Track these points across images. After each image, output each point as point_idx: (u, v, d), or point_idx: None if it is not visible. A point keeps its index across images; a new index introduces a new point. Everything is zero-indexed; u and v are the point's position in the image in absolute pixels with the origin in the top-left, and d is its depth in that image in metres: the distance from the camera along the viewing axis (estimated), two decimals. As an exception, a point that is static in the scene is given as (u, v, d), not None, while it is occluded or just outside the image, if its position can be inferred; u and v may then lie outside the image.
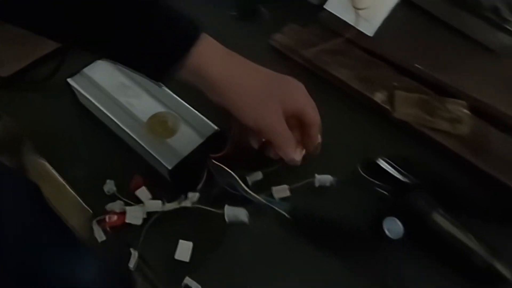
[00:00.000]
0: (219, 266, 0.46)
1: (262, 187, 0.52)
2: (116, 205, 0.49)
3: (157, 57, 0.42)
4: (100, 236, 0.49)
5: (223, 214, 0.48)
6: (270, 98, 0.46)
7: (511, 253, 0.46)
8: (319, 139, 0.50)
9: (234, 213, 0.45)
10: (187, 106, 0.55)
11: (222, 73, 0.44)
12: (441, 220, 0.47)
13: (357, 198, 0.52)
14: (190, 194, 0.49)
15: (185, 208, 0.49)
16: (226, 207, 0.46)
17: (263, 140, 0.51)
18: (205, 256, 0.47)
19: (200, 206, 0.48)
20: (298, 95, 0.48)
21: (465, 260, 0.46)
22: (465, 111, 0.56)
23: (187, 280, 0.44)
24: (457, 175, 0.54)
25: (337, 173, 0.54)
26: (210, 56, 0.44)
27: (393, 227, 0.47)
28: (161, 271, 0.45)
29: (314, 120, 0.48)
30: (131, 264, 0.46)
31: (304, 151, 0.50)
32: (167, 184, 0.52)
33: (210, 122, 0.53)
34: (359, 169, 0.53)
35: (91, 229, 0.49)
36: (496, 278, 0.45)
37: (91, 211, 0.50)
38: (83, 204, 0.51)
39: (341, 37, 0.65)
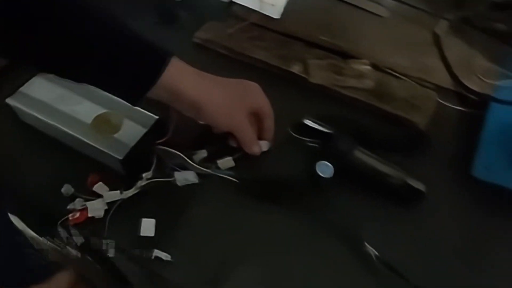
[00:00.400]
0: (183, 234, 0.52)
1: (209, 162, 0.58)
2: (77, 203, 0.53)
3: (131, 83, 0.48)
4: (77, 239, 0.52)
5: (178, 188, 0.53)
6: (237, 103, 0.54)
7: (420, 173, 0.56)
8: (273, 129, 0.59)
9: (184, 176, 0.50)
10: (126, 104, 0.59)
11: (196, 90, 0.51)
12: (361, 155, 0.56)
13: (293, 155, 0.60)
14: (144, 174, 0.53)
15: (144, 192, 0.54)
16: (176, 173, 0.51)
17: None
18: (169, 228, 0.52)
19: (155, 179, 0.53)
20: (256, 95, 0.57)
21: (385, 184, 0.55)
22: (367, 67, 0.67)
23: (156, 252, 0.49)
24: (369, 120, 0.63)
25: (273, 139, 0.61)
26: (182, 76, 0.50)
27: (324, 169, 0.55)
28: (130, 249, 0.49)
29: (270, 114, 0.58)
30: (110, 254, 0.49)
31: (264, 143, 0.59)
32: (122, 176, 0.56)
33: (150, 113, 0.58)
34: (290, 132, 0.61)
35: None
36: (413, 193, 0.55)
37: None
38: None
39: (249, 23, 0.74)
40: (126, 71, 0.47)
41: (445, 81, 0.66)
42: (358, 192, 0.56)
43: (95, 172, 0.56)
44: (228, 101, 0.53)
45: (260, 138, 0.59)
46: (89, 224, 0.52)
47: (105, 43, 0.45)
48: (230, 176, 0.55)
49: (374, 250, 0.49)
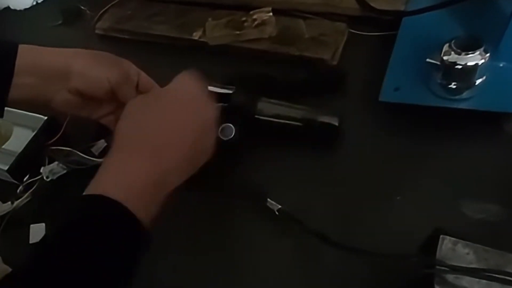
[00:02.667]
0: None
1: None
2: (-32, 225, 0.50)
3: None
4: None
5: (74, 191, 0.49)
6: (110, 61, 0.48)
7: (334, 110, 0.50)
8: None
9: (49, 169, 0.47)
10: (13, 110, 0.56)
11: (58, 54, 0.45)
12: (265, 106, 0.51)
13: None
14: (44, 169, 0.49)
15: (38, 197, 0.50)
16: (42, 168, 0.47)
17: None
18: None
19: (52, 177, 0.49)
20: (129, 64, 0.50)
21: (296, 128, 0.49)
22: (268, 14, 0.61)
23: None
24: (278, 69, 0.57)
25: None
26: (38, 51, 0.45)
27: (226, 131, 0.50)
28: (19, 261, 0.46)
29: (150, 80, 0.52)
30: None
31: None
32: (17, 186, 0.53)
33: (38, 115, 0.55)
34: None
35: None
36: (326, 130, 0.48)
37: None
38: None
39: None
40: None
41: (354, 9, 0.59)
42: (266, 146, 0.50)
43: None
44: (99, 59, 0.47)
45: None
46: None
47: None
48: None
49: (276, 204, 0.44)
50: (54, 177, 0.47)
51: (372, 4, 0.57)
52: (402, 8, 0.56)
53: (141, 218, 0.33)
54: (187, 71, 0.45)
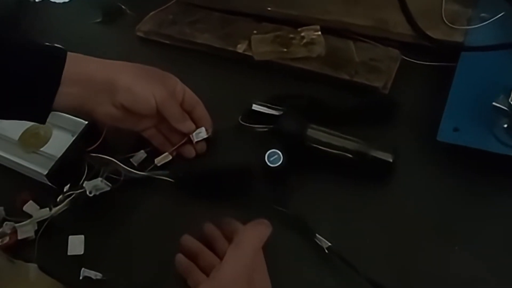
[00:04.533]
0: (115, 249, 0.47)
1: (148, 164, 0.53)
2: (6, 227, 0.49)
3: (35, 91, 0.42)
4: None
5: (110, 201, 0.49)
6: (156, 79, 0.48)
7: (386, 143, 0.48)
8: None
9: (93, 185, 0.45)
10: (54, 112, 0.55)
11: (105, 69, 0.45)
12: (315, 133, 0.49)
13: (242, 145, 0.54)
14: (87, 185, 0.48)
15: (76, 206, 0.49)
16: (86, 182, 0.46)
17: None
18: (100, 243, 0.47)
19: (73, 193, 0.48)
20: (175, 81, 0.50)
21: (346, 161, 0.47)
22: (317, 33, 0.59)
23: (84, 272, 0.44)
24: (325, 92, 0.56)
25: (222, 127, 0.55)
26: (86, 61, 0.45)
27: (274, 158, 0.48)
28: (57, 272, 0.45)
29: (197, 100, 0.52)
30: (31, 277, 0.46)
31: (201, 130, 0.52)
32: (54, 189, 0.52)
33: (79, 119, 0.54)
34: (239, 120, 0.55)
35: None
36: (379, 165, 0.47)
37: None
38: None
39: (191, 4, 0.68)
40: (26, 81, 0.42)
41: (407, 35, 0.57)
42: (315, 176, 0.49)
43: (25, 190, 0.52)
44: (145, 75, 0.47)
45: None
46: (20, 247, 0.49)
47: None
48: (164, 176, 0.50)
49: (326, 241, 0.43)
50: (97, 193, 0.46)
51: (429, 32, 0.56)
52: (461, 39, 0.54)
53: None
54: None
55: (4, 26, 0.74)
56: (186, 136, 0.52)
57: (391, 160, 0.46)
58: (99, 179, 0.46)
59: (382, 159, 0.47)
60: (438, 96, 0.50)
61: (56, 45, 0.47)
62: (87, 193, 0.45)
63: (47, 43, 0.46)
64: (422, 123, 0.51)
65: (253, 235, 0.39)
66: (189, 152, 0.52)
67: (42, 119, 0.44)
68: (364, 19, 0.59)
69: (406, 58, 0.57)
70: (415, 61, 0.56)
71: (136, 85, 0.45)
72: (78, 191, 0.46)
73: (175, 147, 0.52)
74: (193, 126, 0.51)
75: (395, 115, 0.52)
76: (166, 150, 0.52)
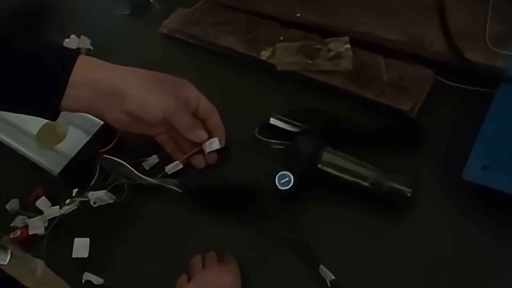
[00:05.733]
0: (120, 254, 0.47)
1: (160, 170, 0.52)
2: (18, 221, 0.50)
3: (44, 90, 0.43)
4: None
5: (119, 205, 0.49)
6: (168, 87, 0.47)
7: (407, 174, 0.45)
8: None
9: (97, 196, 0.45)
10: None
11: (115, 76, 0.45)
12: (330, 157, 0.47)
13: (255, 161, 0.52)
14: (92, 195, 0.48)
15: (85, 206, 0.49)
16: (90, 193, 0.46)
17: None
18: (105, 247, 0.47)
19: (99, 204, 0.48)
20: (190, 88, 0.49)
21: (361, 189, 0.45)
22: (346, 46, 0.56)
23: (86, 276, 0.45)
24: (348, 111, 0.53)
25: (237, 138, 0.54)
26: (96, 66, 0.45)
27: (284, 180, 0.46)
28: (60, 272, 0.46)
29: (211, 108, 0.51)
30: (38, 273, 0.47)
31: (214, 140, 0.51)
32: (68, 188, 0.52)
33: (95, 119, 0.53)
34: (256, 133, 0.53)
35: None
36: (395, 198, 0.44)
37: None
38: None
39: (218, 4, 0.66)
40: (35, 78, 0.42)
41: (444, 54, 0.53)
42: (326, 203, 0.47)
43: (39, 186, 0.53)
44: (156, 84, 0.46)
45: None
46: (31, 242, 0.50)
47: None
48: (174, 186, 0.49)
49: (330, 274, 0.41)
50: (102, 203, 0.46)
51: (467, 54, 0.51)
52: (502, 65, 0.49)
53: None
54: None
55: (34, 15, 0.75)
56: (199, 145, 0.51)
57: (409, 195, 0.44)
58: (104, 191, 0.46)
59: (399, 191, 0.44)
60: (469, 126, 0.47)
61: (72, 48, 0.47)
62: (91, 203, 0.45)
63: (63, 45, 0.45)
64: (448, 156, 0.47)
65: None
66: (200, 162, 0.51)
67: (51, 117, 0.45)
68: (397, 34, 0.55)
69: (440, 79, 0.52)
70: (449, 83, 0.52)
71: (144, 95, 0.44)
72: (83, 199, 0.46)
73: (186, 156, 0.51)
74: (205, 136, 0.49)
75: (420, 143, 0.49)
76: (177, 157, 0.51)
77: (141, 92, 0.44)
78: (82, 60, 0.44)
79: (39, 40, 0.45)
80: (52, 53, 0.43)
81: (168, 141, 0.51)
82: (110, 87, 0.44)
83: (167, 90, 0.46)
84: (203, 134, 0.49)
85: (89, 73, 0.43)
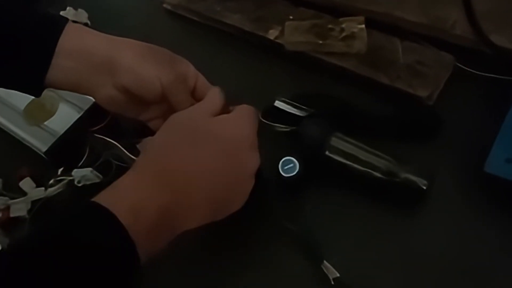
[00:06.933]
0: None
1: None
2: (0, 202, 0.47)
3: (28, 61, 0.39)
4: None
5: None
6: (164, 60, 0.42)
7: (422, 165, 0.41)
8: None
9: (82, 174, 0.42)
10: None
11: (106, 44, 0.41)
12: (339, 143, 0.43)
13: (258, 143, 0.48)
14: (76, 173, 0.45)
15: (71, 188, 0.46)
16: (75, 170, 0.42)
17: None
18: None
19: (84, 183, 0.45)
20: (187, 65, 0.45)
21: (371, 179, 0.41)
22: (360, 26, 0.51)
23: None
24: (359, 95, 0.49)
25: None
26: (85, 34, 0.41)
27: (289, 166, 0.42)
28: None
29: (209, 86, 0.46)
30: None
31: None
32: (54, 169, 0.49)
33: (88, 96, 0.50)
34: (259, 116, 0.49)
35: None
36: (409, 191, 0.40)
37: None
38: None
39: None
40: (19, 46, 0.38)
41: (466, 38, 0.49)
42: (334, 193, 0.43)
43: (25, 165, 0.49)
44: (153, 55, 0.41)
45: None
46: (13, 224, 0.46)
47: None
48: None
49: (334, 271, 0.37)
50: (87, 183, 0.42)
51: (492, 37, 0.47)
52: (531, 51, 0.45)
53: (140, 244, 0.30)
54: (249, 108, 0.39)
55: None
56: None
57: (424, 187, 0.40)
58: (89, 169, 0.42)
59: (414, 184, 0.40)
60: (491, 116, 0.43)
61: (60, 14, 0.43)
62: (75, 182, 0.41)
63: (51, 11, 0.41)
64: (468, 147, 0.43)
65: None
66: None
67: (35, 91, 0.41)
68: (417, 15, 0.51)
69: (460, 65, 0.48)
70: (470, 70, 0.48)
71: (140, 65, 0.40)
72: (68, 178, 0.42)
73: None
74: None
75: (437, 133, 0.45)
76: None
77: (137, 63, 0.40)
78: (71, 27, 0.40)
79: (29, 10, 0.41)
80: (39, 19, 0.39)
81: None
82: (101, 57, 0.39)
83: (165, 62, 0.42)
84: None
85: (79, 41, 0.39)
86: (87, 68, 0.40)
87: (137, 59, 0.40)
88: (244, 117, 0.39)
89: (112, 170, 0.45)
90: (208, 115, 0.38)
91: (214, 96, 0.40)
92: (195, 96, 0.45)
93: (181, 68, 0.43)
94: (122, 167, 0.47)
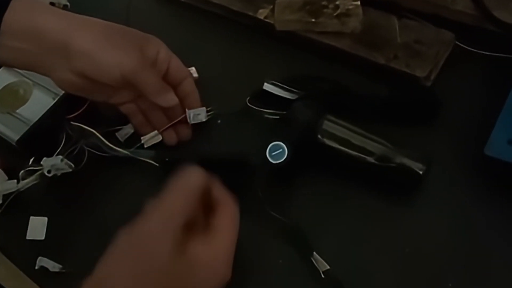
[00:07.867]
0: (83, 237, 0.41)
1: (136, 141, 0.46)
2: (-34, 198, 0.44)
3: None
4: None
5: (84, 180, 0.42)
6: (129, 41, 0.39)
7: (419, 149, 0.39)
8: None
9: (52, 163, 0.39)
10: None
11: (59, 23, 0.37)
12: (332, 127, 0.40)
13: (243, 132, 0.46)
14: (45, 162, 0.42)
15: (45, 180, 0.43)
16: (44, 159, 0.39)
17: None
18: (67, 228, 0.41)
19: (57, 172, 0.42)
20: (158, 44, 0.42)
21: (364, 165, 0.38)
22: (355, 3, 0.48)
23: (41, 260, 0.38)
24: (353, 76, 0.46)
25: (227, 107, 0.47)
26: (37, 11, 0.37)
27: (277, 152, 0.39)
28: (12, 257, 0.40)
29: (184, 71, 0.43)
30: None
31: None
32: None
33: (64, 81, 0.47)
34: (246, 101, 0.46)
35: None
36: (405, 176, 0.38)
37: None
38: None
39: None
40: None
41: (468, 15, 0.46)
42: (325, 180, 0.40)
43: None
44: (114, 37, 0.38)
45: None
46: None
47: None
48: (149, 158, 0.43)
49: (324, 263, 0.34)
50: (58, 173, 0.39)
51: (495, 13, 0.44)
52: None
53: None
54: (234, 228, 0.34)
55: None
56: (173, 119, 0.44)
57: (421, 172, 0.37)
58: (60, 157, 0.39)
59: (410, 169, 0.37)
60: (492, 98, 0.40)
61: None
62: (45, 172, 0.38)
63: None
64: (467, 130, 0.41)
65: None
66: (171, 138, 0.44)
67: None
68: (414, -10, 0.48)
69: (460, 44, 0.45)
70: (471, 49, 0.45)
71: (99, 50, 0.36)
72: (38, 168, 0.39)
73: (168, 125, 0.45)
74: (176, 100, 0.41)
75: (435, 115, 0.42)
76: (144, 132, 0.44)
77: (95, 47, 0.36)
78: (19, 3, 0.35)
79: None
80: None
81: (135, 112, 0.44)
82: (54, 39, 0.35)
83: (129, 45, 0.38)
84: (173, 98, 0.41)
85: (28, 20, 0.35)
86: (39, 50, 0.36)
87: (96, 43, 0.36)
88: (225, 252, 0.32)
89: (85, 159, 0.42)
90: (178, 233, 0.30)
91: (188, 187, 0.33)
92: (168, 80, 0.42)
93: (150, 51, 0.39)
94: (97, 156, 0.44)
